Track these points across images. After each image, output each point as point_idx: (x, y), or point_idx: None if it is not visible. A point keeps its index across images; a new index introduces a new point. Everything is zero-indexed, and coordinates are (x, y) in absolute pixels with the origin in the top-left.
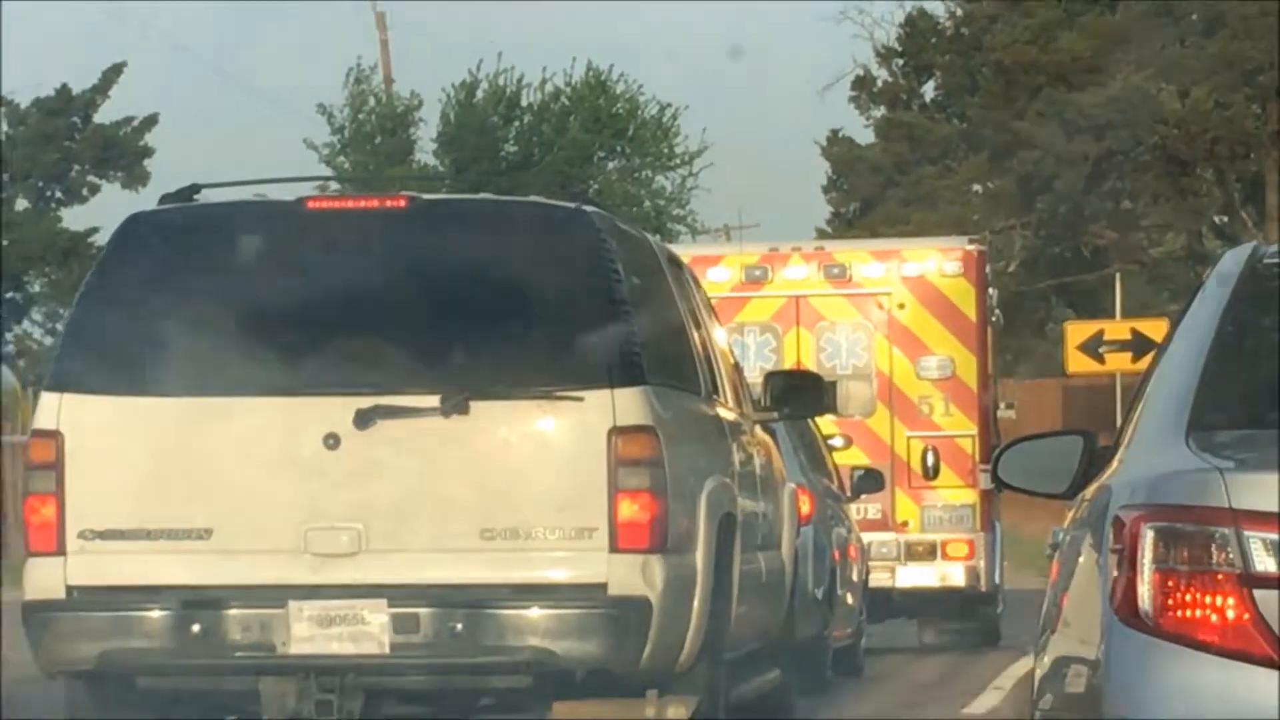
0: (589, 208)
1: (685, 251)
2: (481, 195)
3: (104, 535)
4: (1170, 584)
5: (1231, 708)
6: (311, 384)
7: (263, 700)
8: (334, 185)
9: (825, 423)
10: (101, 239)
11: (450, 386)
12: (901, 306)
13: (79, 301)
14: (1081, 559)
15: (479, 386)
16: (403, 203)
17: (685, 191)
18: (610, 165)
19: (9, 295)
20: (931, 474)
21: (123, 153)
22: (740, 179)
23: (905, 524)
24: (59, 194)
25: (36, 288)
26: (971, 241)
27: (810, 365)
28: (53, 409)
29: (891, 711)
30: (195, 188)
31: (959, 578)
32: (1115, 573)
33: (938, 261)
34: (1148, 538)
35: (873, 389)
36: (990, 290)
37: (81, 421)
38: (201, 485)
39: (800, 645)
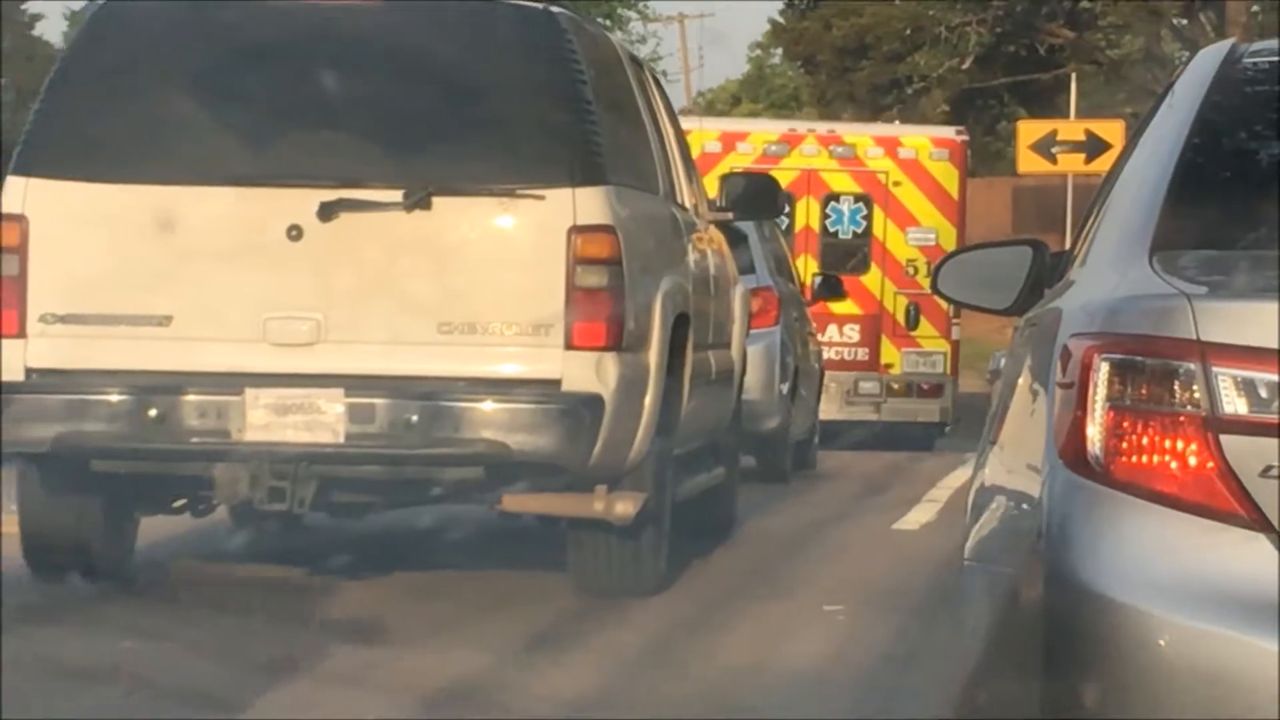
0: (556, 8)
1: (716, 126)
2: None
3: (65, 319)
4: (1125, 425)
5: (1190, 568)
6: (277, 175)
7: (216, 486)
8: None
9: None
10: (34, 7)
11: (414, 182)
12: (897, 184)
13: (47, 88)
14: (1025, 391)
15: (442, 182)
16: None
17: None
18: None
19: None
20: (913, 325)
21: None
22: None
23: (889, 366)
24: None
25: None
26: (959, 133)
27: (817, 230)
28: (19, 193)
29: (819, 526)
30: None
31: (932, 415)
32: (1062, 410)
33: (928, 148)
34: (1102, 371)
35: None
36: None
37: (47, 206)
38: (163, 272)
39: (765, 438)
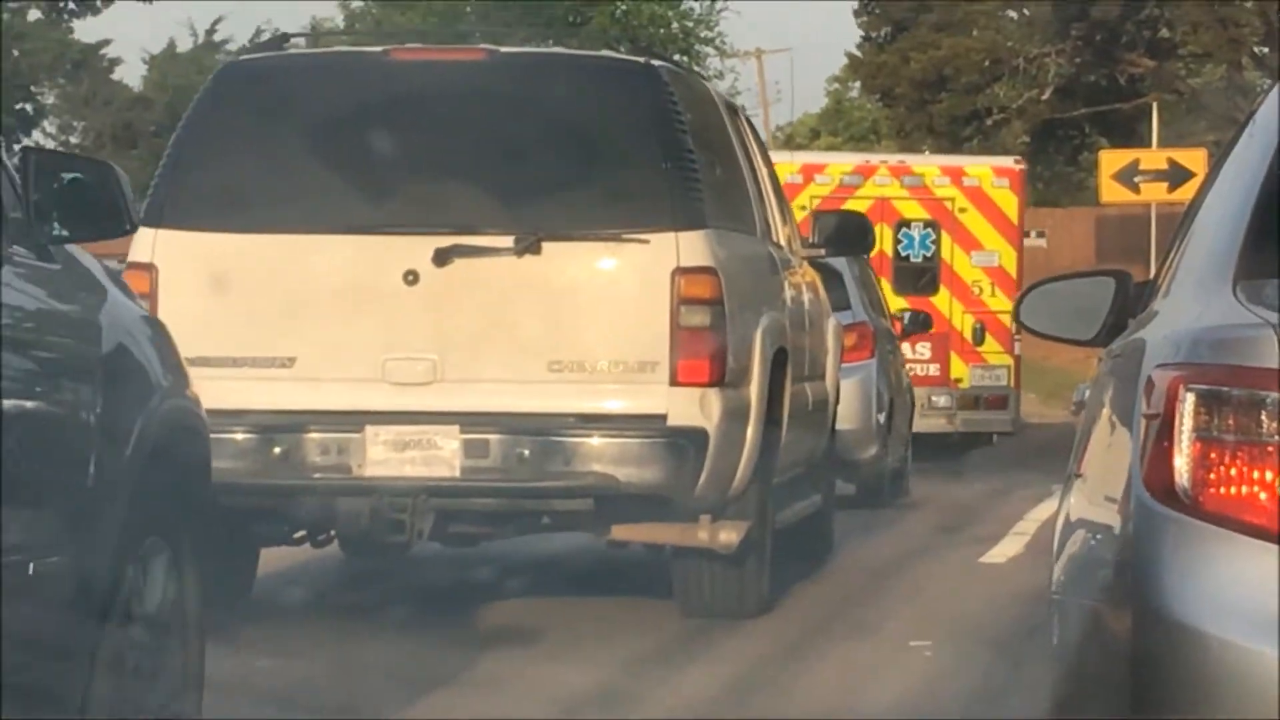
0: (656, 61)
1: (796, 159)
2: (555, 49)
3: (193, 362)
4: (1213, 457)
5: None
6: (394, 223)
7: (338, 519)
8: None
9: (901, 301)
10: (113, 51)
11: (524, 228)
12: (962, 210)
13: (174, 143)
14: (1109, 423)
15: (551, 228)
16: (481, 54)
17: (714, 13)
18: None
19: (19, 106)
20: (979, 341)
21: None
22: (769, 2)
23: (958, 381)
24: (71, 4)
25: (50, 99)
26: (1016, 162)
27: (890, 254)
28: (148, 243)
29: (910, 556)
30: (285, 37)
31: (1002, 425)
32: (1148, 442)
33: (990, 176)
34: (1188, 402)
35: None
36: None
37: (174, 255)
38: (287, 317)
39: (862, 466)
